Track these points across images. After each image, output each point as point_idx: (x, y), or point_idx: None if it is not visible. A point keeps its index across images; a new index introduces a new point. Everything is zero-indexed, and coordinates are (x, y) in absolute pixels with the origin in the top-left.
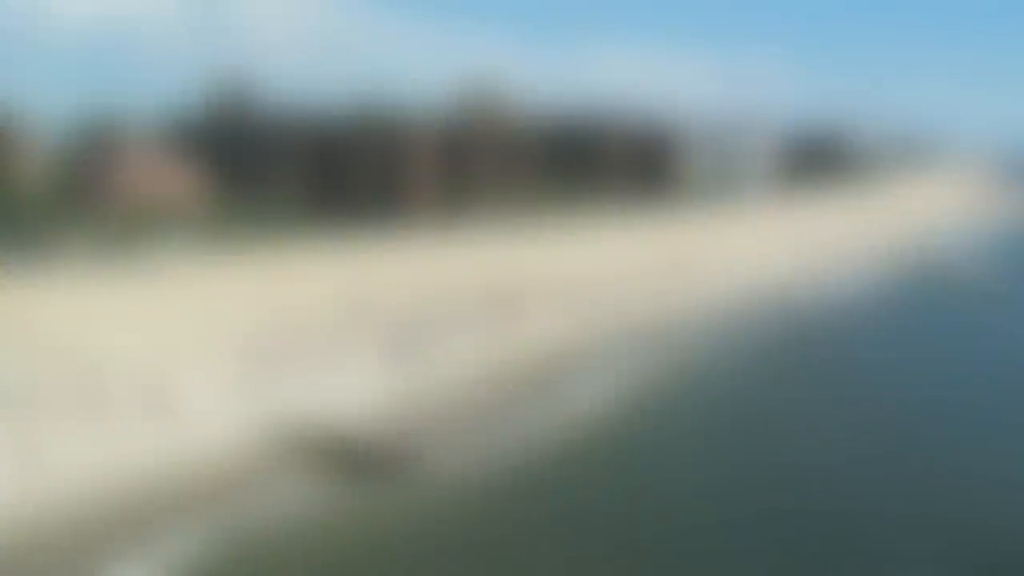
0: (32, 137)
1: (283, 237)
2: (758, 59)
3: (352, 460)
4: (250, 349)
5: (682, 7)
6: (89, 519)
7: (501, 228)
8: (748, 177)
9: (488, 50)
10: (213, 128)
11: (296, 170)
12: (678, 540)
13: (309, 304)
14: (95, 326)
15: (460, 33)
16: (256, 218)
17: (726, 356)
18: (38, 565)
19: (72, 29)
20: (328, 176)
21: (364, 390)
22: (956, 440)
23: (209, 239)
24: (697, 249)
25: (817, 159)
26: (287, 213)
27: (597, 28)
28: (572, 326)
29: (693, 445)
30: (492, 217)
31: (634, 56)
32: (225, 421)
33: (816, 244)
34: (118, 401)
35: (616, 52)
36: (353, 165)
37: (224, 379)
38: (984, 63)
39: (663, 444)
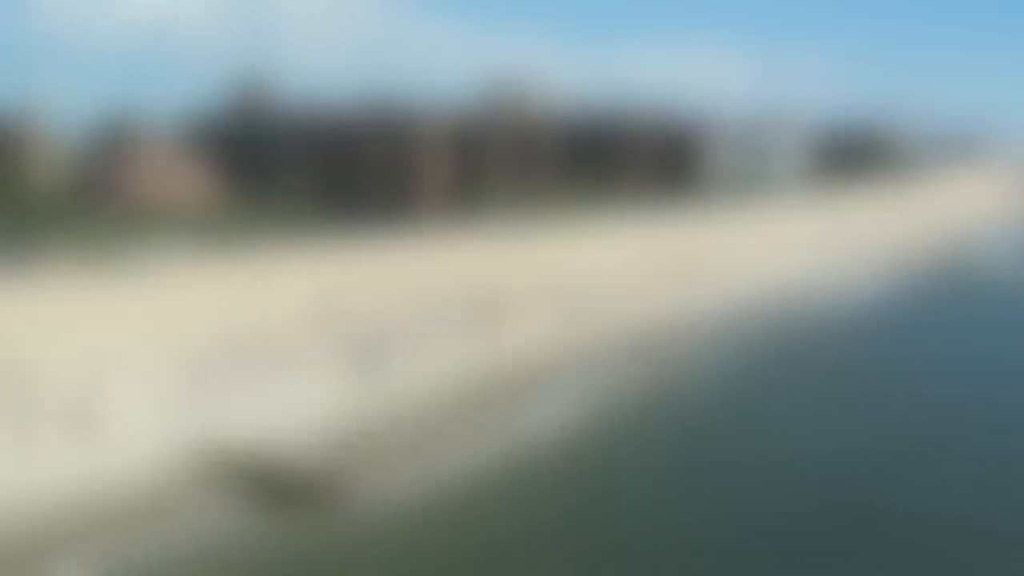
0: (46, 138)
1: (291, 238)
2: (800, 54)
3: (277, 487)
4: (204, 360)
5: (728, 2)
6: None
7: (514, 228)
8: (778, 174)
9: (520, 47)
10: (231, 127)
11: (311, 169)
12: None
13: (287, 309)
14: (47, 332)
15: (495, 30)
16: (267, 218)
17: (724, 367)
18: None
19: (108, 30)
20: (341, 175)
21: (314, 406)
22: (982, 455)
23: (214, 240)
24: (715, 250)
25: (855, 156)
26: (299, 213)
27: (636, 24)
28: (561, 334)
29: (664, 470)
30: (506, 217)
31: (671, 52)
32: (153, 441)
33: (845, 244)
34: (41, 416)
35: (654, 48)
36: (365, 163)
37: (163, 393)
38: None
39: (632, 468)
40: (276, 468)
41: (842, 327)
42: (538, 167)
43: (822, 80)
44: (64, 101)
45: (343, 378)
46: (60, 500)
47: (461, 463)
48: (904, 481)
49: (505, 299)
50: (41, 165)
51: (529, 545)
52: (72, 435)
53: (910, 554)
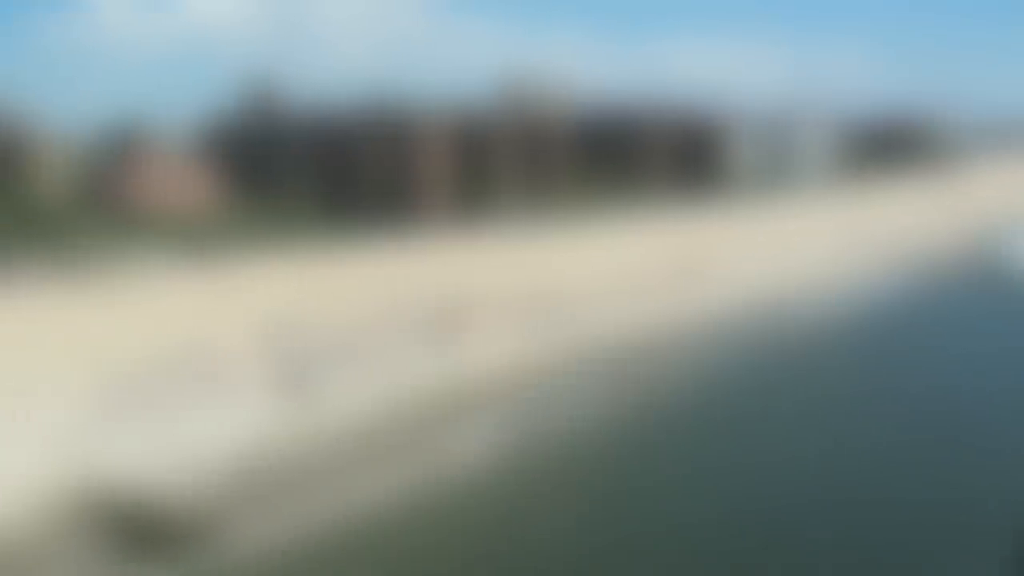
0: (50, 144)
1: (291, 243)
2: (836, 43)
3: (150, 529)
4: (123, 382)
5: None
6: None
7: (521, 230)
8: (805, 168)
9: (550, 44)
10: (241, 131)
11: (316, 172)
12: None
13: (245, 321)
14: None
15: (526, 28)
16: (269, 223)
17: (711, 377)
18: None
19: (140, 35)
20: (343, 177)
21: (232, 434)
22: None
23: (211, 246)
24: (728, 249)
25: (889, 147)
26: (301, 217)
27: (671, 19)
28: (534, 346)
29: (623, 495)
30: (514, 218)
31: (705, 46)
32: (31, 476)
33: (872, 240)
34: None
35: (687, 42)
36: (367, 165)
37: (57, 424)
38: None
39: (576, 502)
40: (152, 509)
41: (853, 329)
42: (549, 166)
43: (857, 69)
44: (71, 104)
45: (274, 400)
46: None
47: (372, 496)
48: (911, 482)
49: (479, 307)
50: (43, 170)
51: None
52: None
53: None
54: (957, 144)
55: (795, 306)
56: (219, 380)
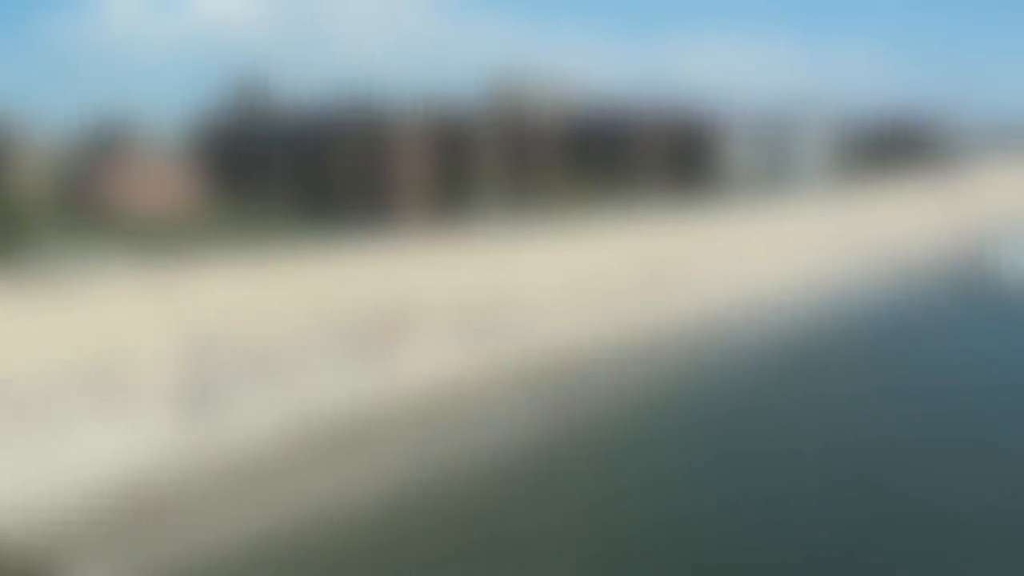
0: (33, 144)
1: (266, 246)
2: (841, 43)
3: None
4: (14, 397)
5: None
6: None
7: (501, 232)
8: (804, 170)
9: (548, 41)
10: (223, 132)
11: (297, 173)
12: None
13: (171, 331)
14: None
15: (523, 25)
16: (248, 225)
17: (658, 392)
18: None
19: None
20: (321, 178)
21: (117, 457)
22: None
23: (179, 249)
24: (711, 252)
25: (892, 149)
26: (281, 220)
27: (675, 18)
28: (473, 358)
29: (537, 537)
30: (495, 220)
31: (709, 44)
32: None
33: (865, 244)
34: None
35: (692, 41)
36: (344, 165)
37: None
38: None
39: (491, 546)
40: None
41: (829, 338)
42: (535, 167)
43: (862, 70)
44: (57, 104)
45: (173, 418)
46: None
47: (252, 532)
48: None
49: (428, 315)
50: (24, 170)
51: None
52: None
53: None
54: (961, 146)
55: (772, 314)
56: (124, 394)
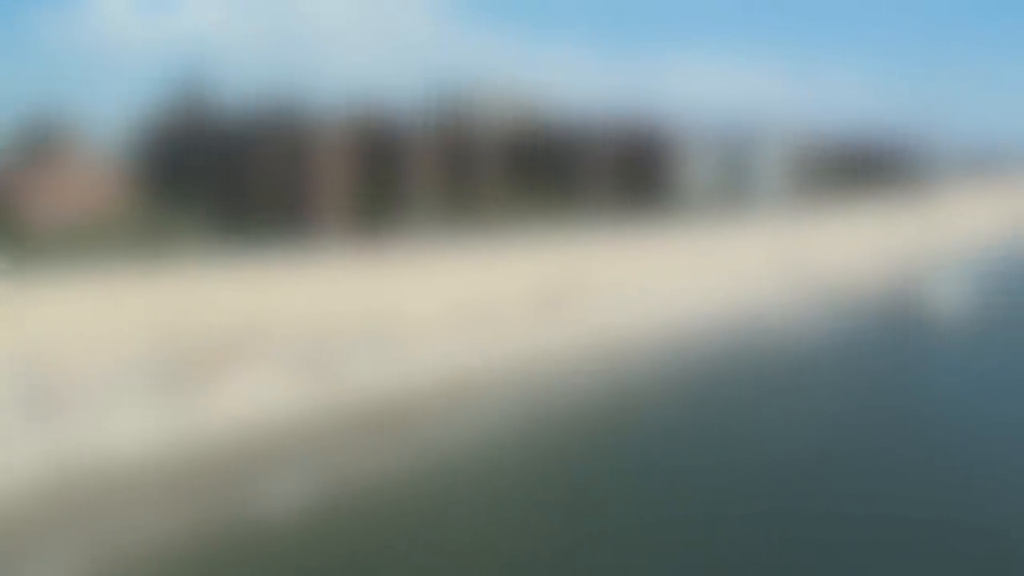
0: None
1: (172, 256)
2: (823, 60)
3: None
4: None
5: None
6: None
7: (423, 246)
8: (761, 188)
9: (506, 50)
10: (160, 135)
11: (222, 181)
12: None
13: None
14: None
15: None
16: (167, 233)
17: (494, 442)
18: None
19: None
20: (239, 186)
21: None
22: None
23: (69, 259)
24: (631, 272)
25: (862, 169)
26: (197, 227)
27: (658, 32)
28: (305, 397)
29: None
30: (420, 234)
31: (691, 59)
32: None
33: (806, 267)
34: None
35: (675, 56)
36: (262, 173)
37: None
38: None
39: None
40: None
41: (722, 371)
42: (474, 180)
43: (839, 90)
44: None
45: None
46: None
47: None
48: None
49: (262, 344)
50: None
51: None
52: None
53: None
54: (931, 170)
55: (674, 340)
56: None
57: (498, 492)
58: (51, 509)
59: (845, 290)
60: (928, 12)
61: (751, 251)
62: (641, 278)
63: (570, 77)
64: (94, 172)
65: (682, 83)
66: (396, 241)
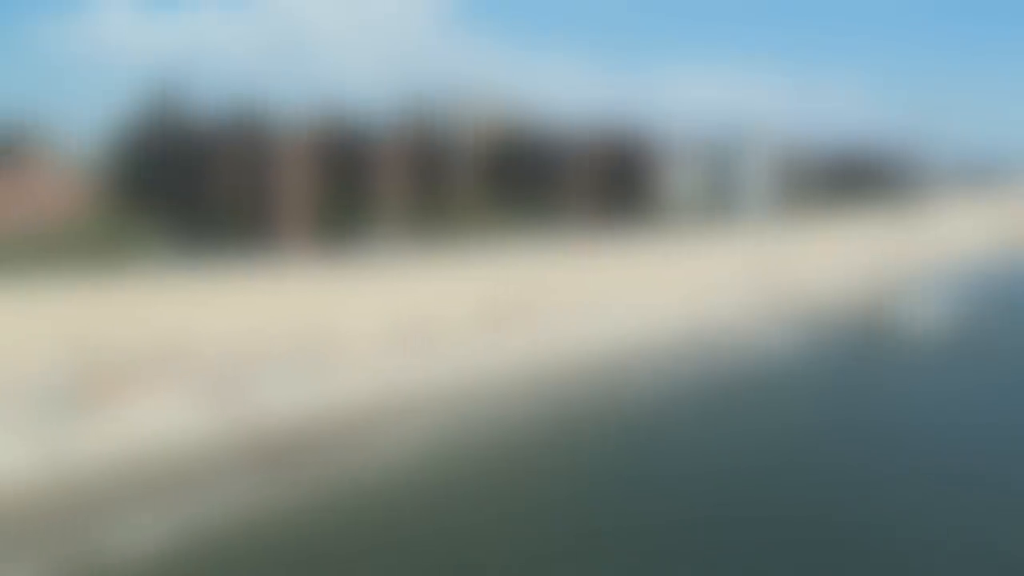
0: None
1: (131, 266)
2: (820, 72)
3: None
4: None
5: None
6: None
7: (389, 257)
8: (746, 200)
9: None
10: (128, 143)
11: (182, 190)
12: None
13: None
14: None
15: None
16: (121, 240)
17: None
18: None
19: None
20: (200, 194)
21: None
22: None
23: (32, 266)
24: (595, 285)
25: (854, 181)
26: (156, 235)
27: (654, 45)
28: (206, 422)
29: None
30: (387, 244)
31: (688, 71)
32: None
33: (782, 282)
34: None
35: (670, 67)
36: (224, 182)
37: None
38: None
39: None
40: None
41: (680, 393)
42: (445, 189)
43: (835, 101)
44: None
45: None
46: None
47: None
48: None
49: (169, 364)
50: None
51: None
52: None
53: None
54: (923, 181)
55: (618, 359)
56: None
57: (394, 530)
58: None
59: (821, 304)
60: (923, 24)
61: (727, 264)
62: (606, 292)
63: (558, 85)
64: (57, 180)
65: (673, 93)
66: (357, 253)
